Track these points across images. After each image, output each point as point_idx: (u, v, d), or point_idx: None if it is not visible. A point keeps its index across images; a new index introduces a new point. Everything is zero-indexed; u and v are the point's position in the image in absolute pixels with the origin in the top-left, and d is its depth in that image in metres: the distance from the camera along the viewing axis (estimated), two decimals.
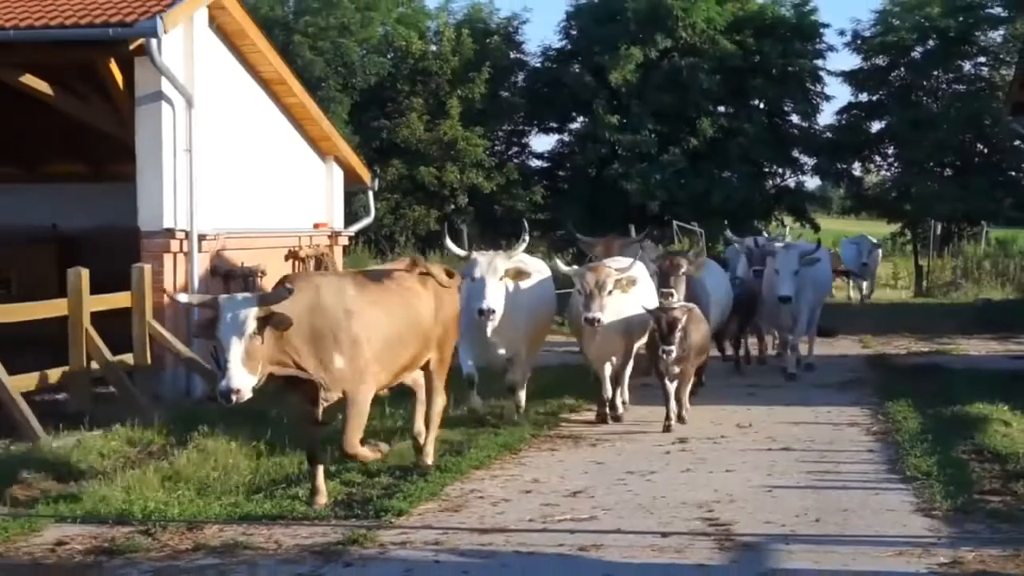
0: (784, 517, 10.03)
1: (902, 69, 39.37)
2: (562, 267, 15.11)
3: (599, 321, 13.79)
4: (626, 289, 14.15)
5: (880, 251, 34.54)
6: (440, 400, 12.17)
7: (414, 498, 10.59)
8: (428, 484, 11.02)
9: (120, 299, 15.10)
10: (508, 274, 13.81)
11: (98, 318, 14.97)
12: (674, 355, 13.97)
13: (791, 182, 41.28)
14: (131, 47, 16.40)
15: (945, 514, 10.05)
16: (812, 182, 43.19)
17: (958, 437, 13.06)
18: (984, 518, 9.88)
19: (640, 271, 15.25)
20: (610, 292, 13.94)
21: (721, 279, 18.39)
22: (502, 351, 14.39)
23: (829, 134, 40.21)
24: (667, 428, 13.96)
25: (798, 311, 18.58)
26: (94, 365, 14.88)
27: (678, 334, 13.86)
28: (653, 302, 14.75)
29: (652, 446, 13.19)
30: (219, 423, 12.94)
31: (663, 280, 15.39)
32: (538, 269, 15.34)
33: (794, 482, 11.44)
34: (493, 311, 13.50)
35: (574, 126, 41.21)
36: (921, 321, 27.09)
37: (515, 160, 41.74)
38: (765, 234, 24.16)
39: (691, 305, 14.83)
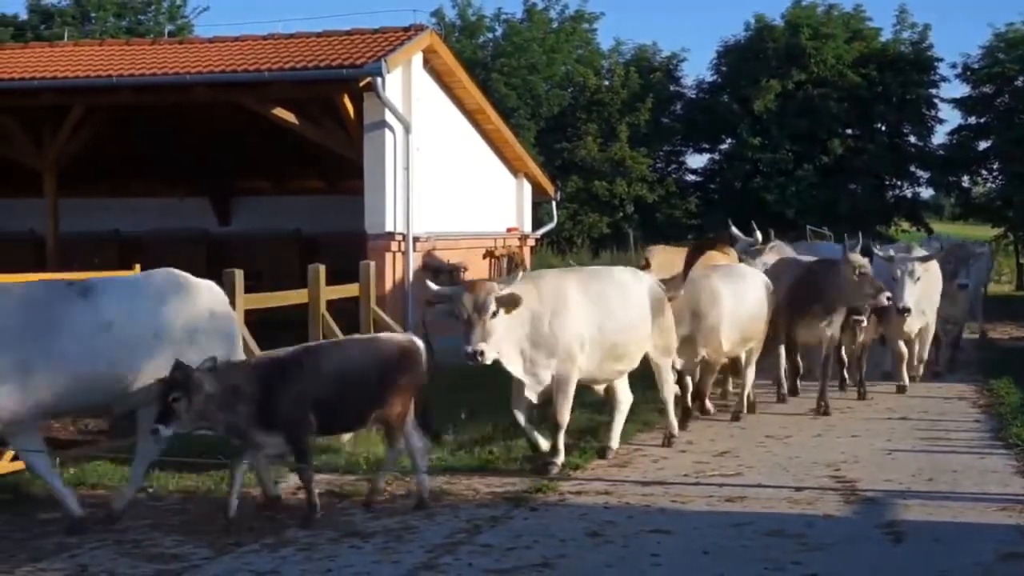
0: (901, 476, 9.81)
1: (1006, 96, 38.07)
2: (436, 289, 10.09)
3: (482, 355, 9.22)
4: (509, 310, 9.39)
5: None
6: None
7: (588, 455, 10.60)
8: (600, 444, 10.98)
9: (350, 289, 15.31)
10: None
11: (332, 305, 15.23)
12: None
13: (908, 193, 40.29)
14: (361, 84, 16.68)
15: None
16: (926, 192, 42.05)
17: None
18: None
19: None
20: (494, 314, 9.27)
21: (749, 291, 12.77)
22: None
23: (942, 152, 39.12)
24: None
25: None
26: None
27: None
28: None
29: (788, 415, 12.98)
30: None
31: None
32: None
33: (910, 447, 11.19)
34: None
35: (723, 147, 40.71)
36: (1021, 310, 26.23)
37: (673, 175, 41.38)
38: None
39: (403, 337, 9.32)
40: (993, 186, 39.96)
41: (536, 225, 24.38)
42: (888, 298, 13.06)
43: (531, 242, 23.50)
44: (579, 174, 38.50)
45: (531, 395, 9.94)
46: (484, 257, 20.66)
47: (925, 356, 15.39)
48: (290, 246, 22.53)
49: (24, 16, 43.71)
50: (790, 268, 14.25)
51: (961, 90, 38.97)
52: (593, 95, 39.80)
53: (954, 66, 38.68)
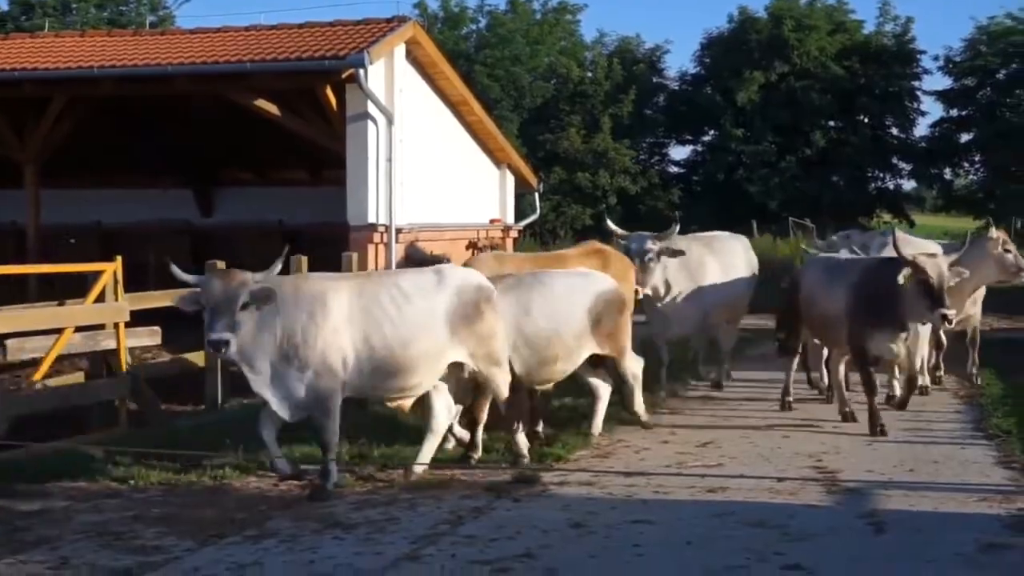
0: (883, 467, 9.81)
1: (988, 88, 38.30)
2: (181, 276, 8.95)
3: (226, 345, 8.54)
4: (261, 306, 8.74)
5: None
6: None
7: (571, 446, 10.56)
8: (583, 435, 10.98)
9: None
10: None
11: None
12: None
13: (890, 184, 40.57)
14: (343, 76, 16.59)
15: (1023, 466, 9.76)
16: (908, 184, 42.30)
17: None
18: None
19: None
20: (244, 306, 8.63)
21: (550, 304, 10.39)
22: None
23: (924, 144, 39.36)
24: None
25: None
26: None
27: None
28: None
29: (770, 405, 12.97)
30: None
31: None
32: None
33: (891, 437, 11.15)
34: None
35: (706, 138, 40.89)
36: (1003, 302, 26.26)
37: (656, 167, 41.53)
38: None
39: None
40: (975, 178, 40.16)
41: (519, 216, 24.33)
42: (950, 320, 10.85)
43: (514, 233, 23.46)
44: (562, 165, 38.53)
45: (281, 412, 9.05)
46: (467, 248, 20.62)
47: (926, 354, 13.10)
48: (273, 237, 22.39)
49: (5, 7, 43.68)
50: (844, 266, 12.02)
51: (943, 83, 39.26)
52: (576, 87, 39.83)
53: (936, 59, 39.04)
